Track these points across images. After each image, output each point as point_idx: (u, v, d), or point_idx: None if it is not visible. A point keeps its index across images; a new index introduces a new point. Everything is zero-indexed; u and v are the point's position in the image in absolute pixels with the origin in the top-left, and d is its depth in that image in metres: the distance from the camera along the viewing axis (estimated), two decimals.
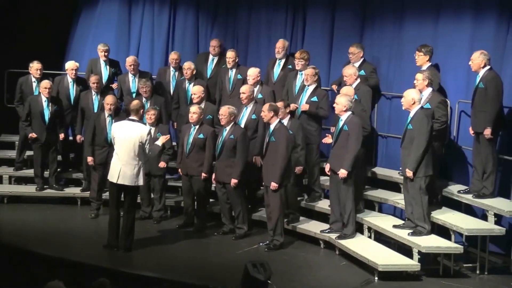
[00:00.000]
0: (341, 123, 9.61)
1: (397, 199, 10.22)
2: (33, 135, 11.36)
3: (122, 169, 9.39)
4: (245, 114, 10.61)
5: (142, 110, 9.73)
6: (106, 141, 10.62)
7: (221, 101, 11.42)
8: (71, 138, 11.77)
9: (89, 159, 10.87)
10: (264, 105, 9.98)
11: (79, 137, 11.45)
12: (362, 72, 10.68)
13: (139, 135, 9.36)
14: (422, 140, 9.17)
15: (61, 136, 11.44)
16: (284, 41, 11.53)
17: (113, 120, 10.55)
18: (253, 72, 10.90)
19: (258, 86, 10.96)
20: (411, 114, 9.30)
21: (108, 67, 11.98)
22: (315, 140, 10.61)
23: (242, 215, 10.29)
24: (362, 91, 10.32)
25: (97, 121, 10.84)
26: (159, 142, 9.74)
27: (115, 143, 9.52)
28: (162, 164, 10.69)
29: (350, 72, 10.38)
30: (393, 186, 10.65)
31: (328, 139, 10.02)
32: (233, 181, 10.07)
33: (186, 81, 11.46)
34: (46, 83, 11.31)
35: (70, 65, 11.72)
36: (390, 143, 11.20)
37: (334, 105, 9.72)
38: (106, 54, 11.90)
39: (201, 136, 10.36)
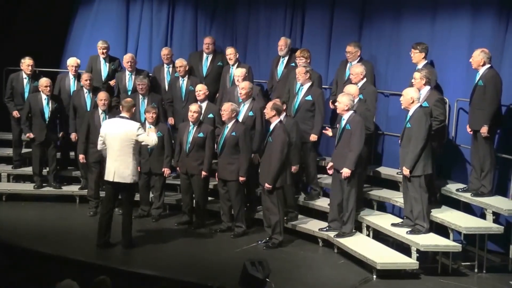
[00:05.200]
0: (343, 122, 9.60)
1: (396, 197, 10.22)
2: (30, 135, 11.38)
3: (117, 167, 9.38)
4: (243, 111, 10.61)
5: (134, 108, 9.68)
6: None
7: (222, 99, 11.45)
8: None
9: (81, 156, 10.90)
10: (269, 102, 9.99)
11: (74, 135, 11.44)
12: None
13: (129, 132, 9.34)
14: (420, 138, 9.18)
15: (61, 134, 11.43)
16: (286, 39, 11.54)
17: (107, 117, 10.56)
18: (240, 72, 10.92)
19: None
20: (410, 113, 9.31)
21: (107, 64, 11.97)
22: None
23: (241, 214, 10.30)
24: (368, 91, 10.31)
25: (91, 119, 10.84)
26: (153, 134, 9.63)
27: (107, 141, 9.50)
28: (167, 172, 10.70)
29: (357, 70, 10.36)
30: (391, 185, 10.65)
31: (328, 132, 10.01)
32: (241, 178, 10.10)
33: (180, 78, 11.46)
34: (45, 81, 11.30)
35: (70, 61, 11.73)
36: (389, 142, 11.20)
37: (336, 104, 9.71)
38: (105, 51, 11.89)
39: (201, 135, 10.36)
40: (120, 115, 9.59)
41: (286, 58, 11.48)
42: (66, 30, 13.21)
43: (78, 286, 6.11)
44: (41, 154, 11.47)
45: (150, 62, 12.74)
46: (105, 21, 12.97)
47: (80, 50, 12.73)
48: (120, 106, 9.78)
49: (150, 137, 9.55)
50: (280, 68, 11.53)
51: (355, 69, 10.40)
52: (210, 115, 10.85)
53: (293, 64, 11.35)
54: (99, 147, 9.64)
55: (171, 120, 11.54)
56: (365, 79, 10.40)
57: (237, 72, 10.96)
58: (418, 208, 9.31)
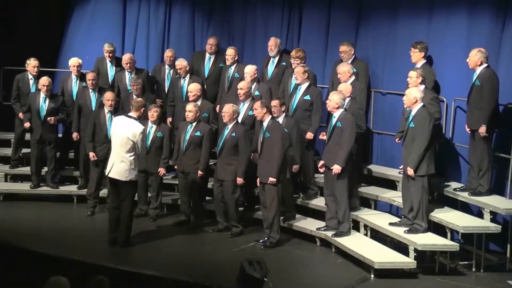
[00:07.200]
0: (334, 120, 9.62)
1: (393, 196, 10.23)
2: (27, 124, 11.44)
3: (115, 163, 9.51)
4: (242, 110, 10.62)
5: (143, 109, 9.79)
6: (106, 138, 10.64)
7: (220, 99, 11.45)
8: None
9: (91, 154, 10.90)
10: (256, 103, 9.99)
11: (75, 135, 11.43)
12: (354, 70, 10.65)
13: (131, 132, 9.42)
14: (424, 138, 9.17)
15: (75, 134, 11.42)
16: (276, 39, 11.54)
17: (113, 117, 10.60)
18: (250, 70, 10.90)
19: (255, 83, 10.96)
20: (413, 113, 9.29)
21: (114, 67, 11.95)
22: None
23: (236, 214, 10.30)
24: (356, 89, 10.32)
25: (97, 118, 10.89)
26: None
27: (111, 137, 9.65)
28: (162, 171, 10.70)
29: (344, 69, 10.38)
30: (388, 184, 10.66)
31: (324, 137, 10.03)
32: (239, 180, 10.09)
33: (181, 79, 11.46)
34: (44, 80, 11.31)
35: (72, 62, 11.70)
36: (386, 141, 11.21)
37: (327, 101, 9.73)
38: (110, 55, 11.87)
39: (197, 133, 10.36)
40: (129, 114, 9.70)
41: (277, 58, 11.47)
42: (64, 29, 13.19)
43: (68, 283, 6.10)
44: (38, 153, 11.46)
45: (147, 62, 12.74)
46: (102, 21, 12.96)
47: (78, 50, 12.69)
48: (130, 105, 9.90)
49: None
50: (271, 68, 11.51)
51: (342, 68, 10.42)
52: (204, 114, 10.84)
53: (283, 64, 11.36)
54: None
55: (169, 121, 11.52)
56: (353, 77, 10.41)
57: (247, 69, 10.93)
58: (418, 207, 9.31)
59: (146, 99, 11.09)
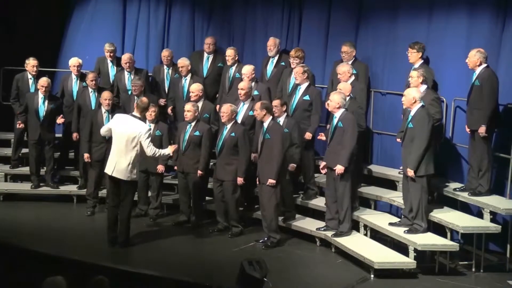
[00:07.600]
0: (335, 120, 9.62)
1: (393, 196, 10.23)
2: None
3: (118, 162, 9.46)
4: (242, 110, 10.63)
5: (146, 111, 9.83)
6: (104, 138, 10.61)
7: (221, 99, 11.46)
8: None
9: (86, 155, 10.90)
10: (256, 104, 9.98)
11: (75, 135, 11.43)
12: (354, 71, 10.67)
13: (137, 132, 9.40)
14: (423, 138, 9.17)
15: (74, 135, 11.42)
16: (275, 39, 11.54)
17: (110, 116, 10.60)
18: (247, 70, 10.90)
19: (253, 83, 10.97)
20: (412, 113, 9.29)
21: (115, 67, 11.96)
22: None
23: (236, 214, 10.30)
24: (356, 89, 10.33)
25: (95, 118, 10.89)
26: (168, 150, 9.79)
27: (113, 135, 9.57)
28: (160, 168, 10.68)
29: (344, 69, 10.39)
30: (388, 184, 10.66)
31: (322, 137, 10.04)
32: (239, 180, 10.09)
33: (182, 78, 11.46)
34: (43, 81, 11.30)
35: (72, 61, 11.70)
36: (385, 141, 11.21)
37: (328, 102, 9.72)
38: (111, 54, 11.89)
39: (197, 133, 10.36)
40: (133, 113, 9.67)
41: (276, 58, 11.48)
42: (64, 29, 13.20)
43: (63, 281, 6.10)
44: (37, 153, 11.45)
45: (147, 62, 12.74)
46: (102, 21, 12.97)
47: (78, 50, 12.69)
48: (131, 106, 9.85)
49: (161, 150, 9.70)
50: (270, 68, 11.51)
51: (342, 68, 10.42)
52: (206, 115, 10.84)
53: (283, 63, 11.36)
54: (102, 132, 9.78)
55: (170, 109, 11.51)
56: (353, 77, 10.41)
57: (244, 70, 10.93)
58: (417, 208, 9.31)
59: None
